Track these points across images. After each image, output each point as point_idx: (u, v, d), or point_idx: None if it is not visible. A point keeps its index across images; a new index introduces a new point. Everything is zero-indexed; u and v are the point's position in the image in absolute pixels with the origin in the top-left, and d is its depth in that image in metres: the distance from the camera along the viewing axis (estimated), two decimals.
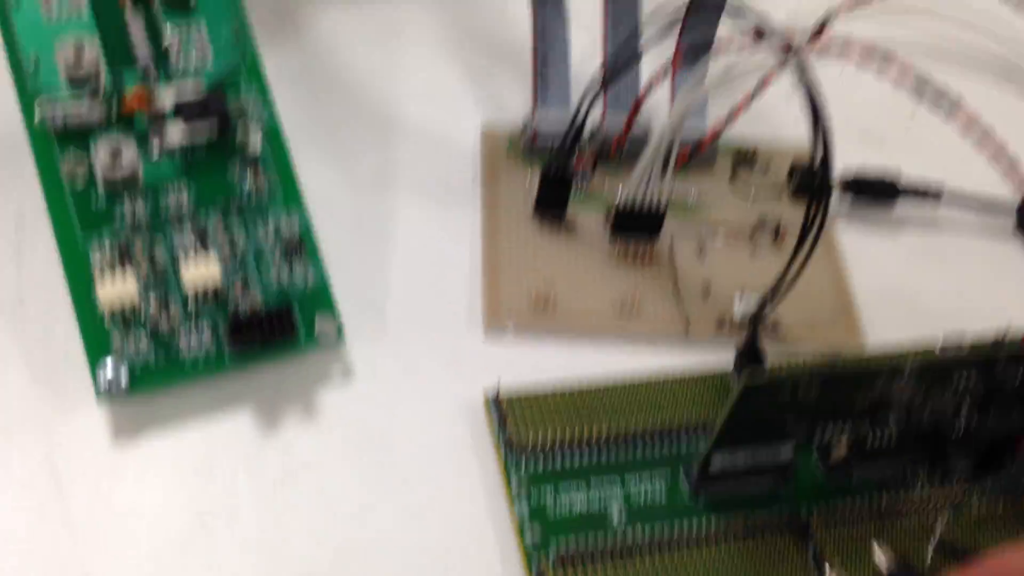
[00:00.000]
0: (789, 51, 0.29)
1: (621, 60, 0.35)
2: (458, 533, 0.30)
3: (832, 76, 0.32)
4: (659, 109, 0.38)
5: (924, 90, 0.29)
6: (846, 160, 0.38)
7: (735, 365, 0.33)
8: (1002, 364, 0.29)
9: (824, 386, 0.28)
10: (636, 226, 0.36)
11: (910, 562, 0.28)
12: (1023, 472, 0.32)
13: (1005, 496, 0.32)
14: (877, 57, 0.29)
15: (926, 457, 0.31)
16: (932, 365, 0.28)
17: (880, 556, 0.28)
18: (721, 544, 0.30)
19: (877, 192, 0.39)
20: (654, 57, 0.35)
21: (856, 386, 0.28)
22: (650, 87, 0.34)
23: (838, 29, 0.30)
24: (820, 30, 0.30)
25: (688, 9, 0.33)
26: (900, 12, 0.28)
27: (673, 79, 0.36)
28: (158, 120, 0.31)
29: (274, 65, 0.34)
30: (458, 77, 0.41)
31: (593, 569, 0.29)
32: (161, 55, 0.32)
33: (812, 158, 0.30)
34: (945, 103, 0.29)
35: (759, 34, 0.30)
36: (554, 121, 0.37)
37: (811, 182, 0.30)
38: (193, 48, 0.32)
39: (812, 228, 0.31)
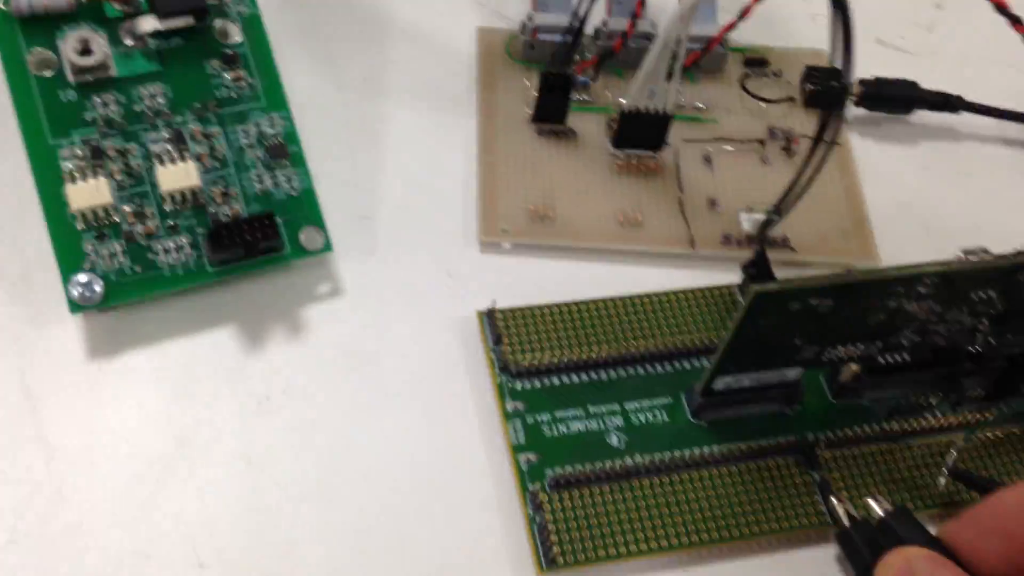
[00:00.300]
0: None
1: None
2: (450, 455, 0.29)
3: None
4: (667, 7, 0.36)
5: None
6: (862, 71, 0.36)
7: (742, 280, 0.32)
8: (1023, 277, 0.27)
9: (836, 297, 0.26)
10: (640, 134, 0.34)
11: (907, 510, 0.27)
12: None
13: (1020, 421, 0.31)
14: None
15: (939, 381, 0.30)
16: (950, 276, 0.27)
17: (875, 506, 0.27)
18: (723, 467, 0.29)
19: (894, 101, 0.37)
20: None
21: (870, 298, 0.27)
22: None
23: None
24: None
25: None
26: None
27: None
28: (129, 8, 0.29)
29: None
30: None
31: (590, 492, 0.28)
32: None
33: (831, 53, 0.28)
34: None
35: None
36: (554, 20, 0.35)
37: (826, 86, 0.28)
38: None
39: (826, 129, 0.29)
